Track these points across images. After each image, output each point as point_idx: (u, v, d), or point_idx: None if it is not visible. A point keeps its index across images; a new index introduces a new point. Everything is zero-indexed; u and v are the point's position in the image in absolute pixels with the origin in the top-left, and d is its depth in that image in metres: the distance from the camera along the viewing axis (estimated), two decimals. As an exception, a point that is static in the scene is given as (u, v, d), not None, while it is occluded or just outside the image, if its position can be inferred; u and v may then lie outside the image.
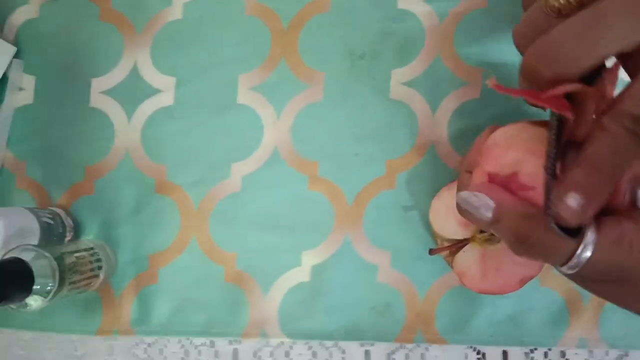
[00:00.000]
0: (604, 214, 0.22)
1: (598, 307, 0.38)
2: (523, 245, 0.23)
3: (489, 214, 0.24)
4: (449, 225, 0.36)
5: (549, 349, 0.38)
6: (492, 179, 0.26)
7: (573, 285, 0.38)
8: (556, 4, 0.22)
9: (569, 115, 0.21)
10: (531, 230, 0.23)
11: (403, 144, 0.40)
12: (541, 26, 0.22)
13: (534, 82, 0.22)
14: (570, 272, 0.22)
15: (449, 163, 0.40)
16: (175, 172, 0.42)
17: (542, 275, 0.38)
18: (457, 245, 0.36)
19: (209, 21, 0.43)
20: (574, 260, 0.22)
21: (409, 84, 0.41)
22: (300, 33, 0.42)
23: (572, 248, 0.22)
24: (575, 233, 0.22)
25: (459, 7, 0.41)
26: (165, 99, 0.42)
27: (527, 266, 0.34)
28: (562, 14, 0.22)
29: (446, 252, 0.36)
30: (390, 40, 0.41)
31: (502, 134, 0.27)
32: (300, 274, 0.40)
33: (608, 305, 0.38)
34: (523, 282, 0.35)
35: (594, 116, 0.22)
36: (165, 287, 0.41)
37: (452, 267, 0.36)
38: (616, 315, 0.38)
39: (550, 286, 0.38)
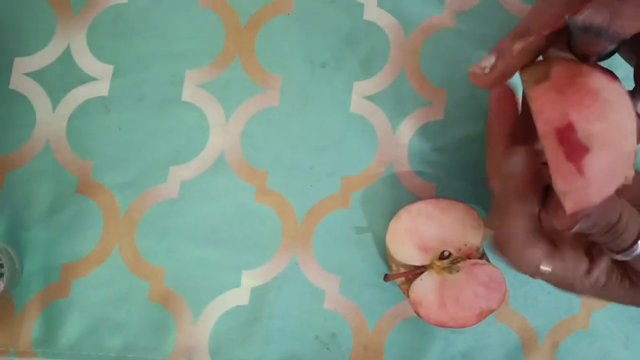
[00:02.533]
0: None
1: (553, 348, 0.36)
2: (608, 232, 0.24)
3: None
4: (407, 250, 0.33)
5: (502, 391, 0.36)
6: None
7: (529, 322, 0.36)
8: None
9: None
10: (618, 215, 0.23)
11: (360, 160, 0.37)
12: None
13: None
14: (624, 258, 0.24)
15: (407, 184, 0.37)
16: (102, 170, 0.37)
17: (499, 309, 0.36)
18: (414, 272, 0.33)
19: (158, 10, 0.39)
20: (635, 247, 0.24)
21: (371, 98, 0.38)
22: (258, 32, 0.38)
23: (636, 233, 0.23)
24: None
25: (427, 24, 0.39)
26: (99, 88, 0.38)
27: (487, 299, 0.32)
28: None
29: (402, 279, 0.33)
30: (354, 50, 0.39)
31: None
32: (238, 296, 0.36)
33: (563, 345, 0.36)
34: (482, 315, 0.32)
35: None
36: (77, 302, 0.35)
37: (407, 295, 0.33)
38: (571, 357, 0.36)
39: (505, 322, 0.36)
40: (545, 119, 0.22)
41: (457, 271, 0.32)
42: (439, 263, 0.33)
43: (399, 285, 0.34)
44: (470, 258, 0.33)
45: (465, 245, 0.33)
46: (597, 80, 0.22)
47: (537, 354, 0.36)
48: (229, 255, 0.36)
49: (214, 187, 0.37)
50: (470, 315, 0.32)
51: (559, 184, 0.22)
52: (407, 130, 0.38)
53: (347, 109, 0.38)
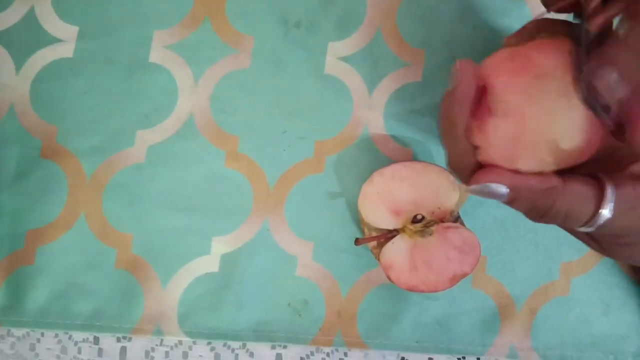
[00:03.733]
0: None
1: (531, 314, 0.35)
2: (543, 218, 0.23)
3: (504, 198, 0.23)
4: (379, 214, 0.32)
5: (478, 358, 0.35)
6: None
7: (506, 289, 0.35)
8: None
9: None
10: (551, 203, 0.22)
11: (335, 124, 0.36)
12: None
13: None
14: (587, 230, 0.22)
15: (382, 148, 0.36)
16: (67, 134, 0.36)
17: (474, 275, 0.35)
18: (386, 235, 0.32)
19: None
20: (593, 221, 0.22)
21: (347, 59, 0.37)
22: (229, -9, 0.37)
23: (591, 211, 0.22)
24: (601, 111, 0.20)
25: (405, -17, 0.37)
26: (65, 50, 0.36)
27: (460, 263, 0.31)
28: None
29: (374, 243, 0.33)
30: (329, 10, 0.37)
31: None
32: (208, 263, 0.35)
33: (541, 312, 0.35)
34: (455, 280, 0.31)
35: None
36: (43, 269, 0.34)
37: (379, 259, 0.32)
38: (549, 324, 0.35)
39: (482, 288, 0.35)
40: (480, 75, 0.23)
41: (430, 235, 0.31)
42: (411, 227, 0.32)
43: (371, 250, 0.33)
44: (443, 221, 0.32)
45: (439, 208, 0.32)
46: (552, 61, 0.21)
47: (514, 320, 0.35)
48: (198, 222, 0.35)
49: (183, 152, 0.36)
50: (442, 279, 0.31)
51: (471, 136, 0.23)
52: (383, 92, 0.36)
53: (322, 70, 0.37)
